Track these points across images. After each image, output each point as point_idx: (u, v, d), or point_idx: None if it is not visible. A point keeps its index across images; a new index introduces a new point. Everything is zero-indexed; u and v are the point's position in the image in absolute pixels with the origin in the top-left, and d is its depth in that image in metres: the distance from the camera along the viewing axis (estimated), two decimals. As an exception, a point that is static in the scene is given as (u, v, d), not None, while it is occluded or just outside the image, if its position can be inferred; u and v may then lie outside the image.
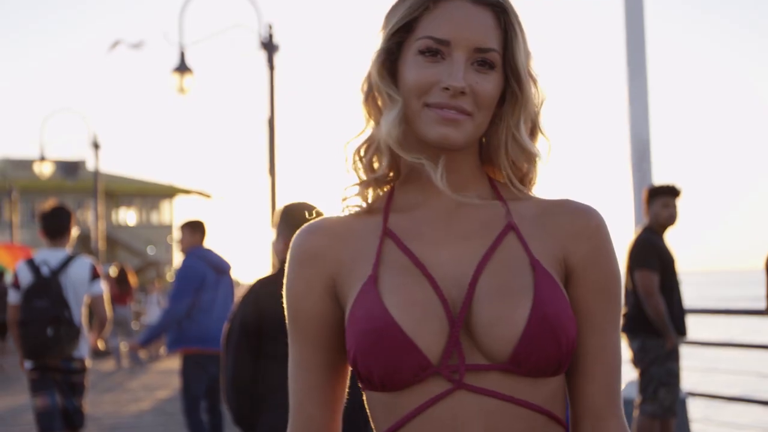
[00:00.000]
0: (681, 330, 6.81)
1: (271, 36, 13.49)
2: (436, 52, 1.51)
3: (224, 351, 4.11)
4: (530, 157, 1.58)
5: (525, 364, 1.47)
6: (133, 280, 19.32)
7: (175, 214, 55.74)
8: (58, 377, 6.46)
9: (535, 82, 1.57)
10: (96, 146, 26.21)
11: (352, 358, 1.51)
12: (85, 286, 6.56)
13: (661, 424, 6.78)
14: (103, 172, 27.50)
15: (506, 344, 1.46)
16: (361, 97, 1.59)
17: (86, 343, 6.59)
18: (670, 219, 6.78)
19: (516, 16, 1.54)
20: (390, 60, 1.56)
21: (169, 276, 45.89)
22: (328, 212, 1.67)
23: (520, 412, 1.48)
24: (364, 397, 1.59)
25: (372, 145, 1.59)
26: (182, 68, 14.64)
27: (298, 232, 1.63)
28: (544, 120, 1.60)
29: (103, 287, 6.74)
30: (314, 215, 1.71)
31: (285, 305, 1.62)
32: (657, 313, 6.65)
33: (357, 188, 1.62)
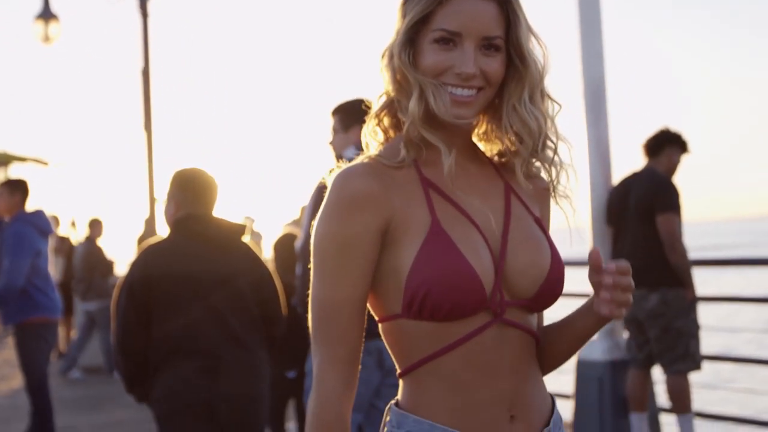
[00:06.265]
0: None
1: (144, -20, 12.42)
2: (449, 41, 1.76)
3: (113, 317, 4.13)
4: (526, 126, 1.80)
5: (541, 302, 1.80)
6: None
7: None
8: None
9: (535, 59, 1.80)
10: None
11: (422, 293, 1.70)
12: None
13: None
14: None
15: (534, 285, 1.78)
16: (383, 67, 1.82)
17: None
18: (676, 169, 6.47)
19: (517, 3, 1.79)
20: (409, 45, 1.79)
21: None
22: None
23: (529, 338, 1.80)
24: (387, 327, 1.78)
25: (392, 107, 1.85)
26: (47, 15, 13.42)
27: (343, 174, 1.76)
28: (547, 89, 1.84)
29: None
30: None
31: (330, 243, 1.74)
32: (684, 260, 6.10)
33: (392, 143, 1.84)
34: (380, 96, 1.86)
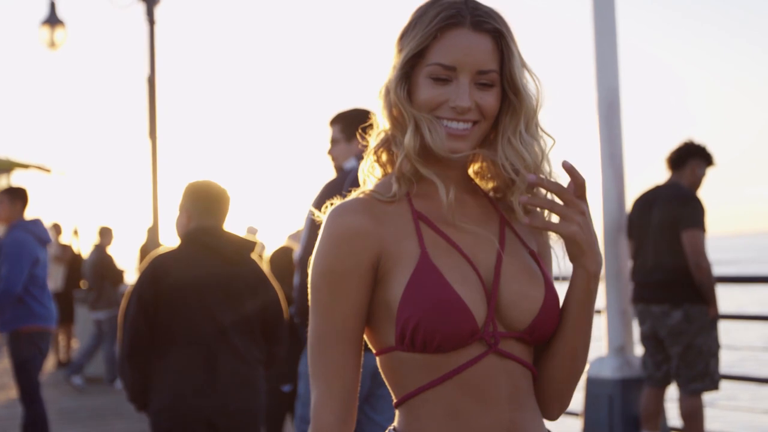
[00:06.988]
0: None
1: (151, -13, 12.31)
2: (444, 75, 1.77)
3: (121, 326, 4.14)
4: (521, 159, 1.80)
5: (536, 335, 1.80)
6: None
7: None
8: None
9: (530, 93, 1.82)
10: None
11: (412, 324, 1.71)
12: None
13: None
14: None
15: (527, 317, 1.78)
16: (380, 103, 1.84)
17: None
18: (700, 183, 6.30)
19: (511, 37, 1.81)
20: (405, 80, 1.80)
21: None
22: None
23: (526, 372, 1.80)
24: (383, 359, 1.80)
25: (388, 143, 1.86)
26: (53, 20, 13.29)
27: (336, 210, 1.79)
28: (541, 123, 1.85)
29: None
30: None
31: (323, 279, 1.78)
32: (709, 276, 5.94)
33: (387, 179, 1.86)
34: (378, 133, 1.87)
